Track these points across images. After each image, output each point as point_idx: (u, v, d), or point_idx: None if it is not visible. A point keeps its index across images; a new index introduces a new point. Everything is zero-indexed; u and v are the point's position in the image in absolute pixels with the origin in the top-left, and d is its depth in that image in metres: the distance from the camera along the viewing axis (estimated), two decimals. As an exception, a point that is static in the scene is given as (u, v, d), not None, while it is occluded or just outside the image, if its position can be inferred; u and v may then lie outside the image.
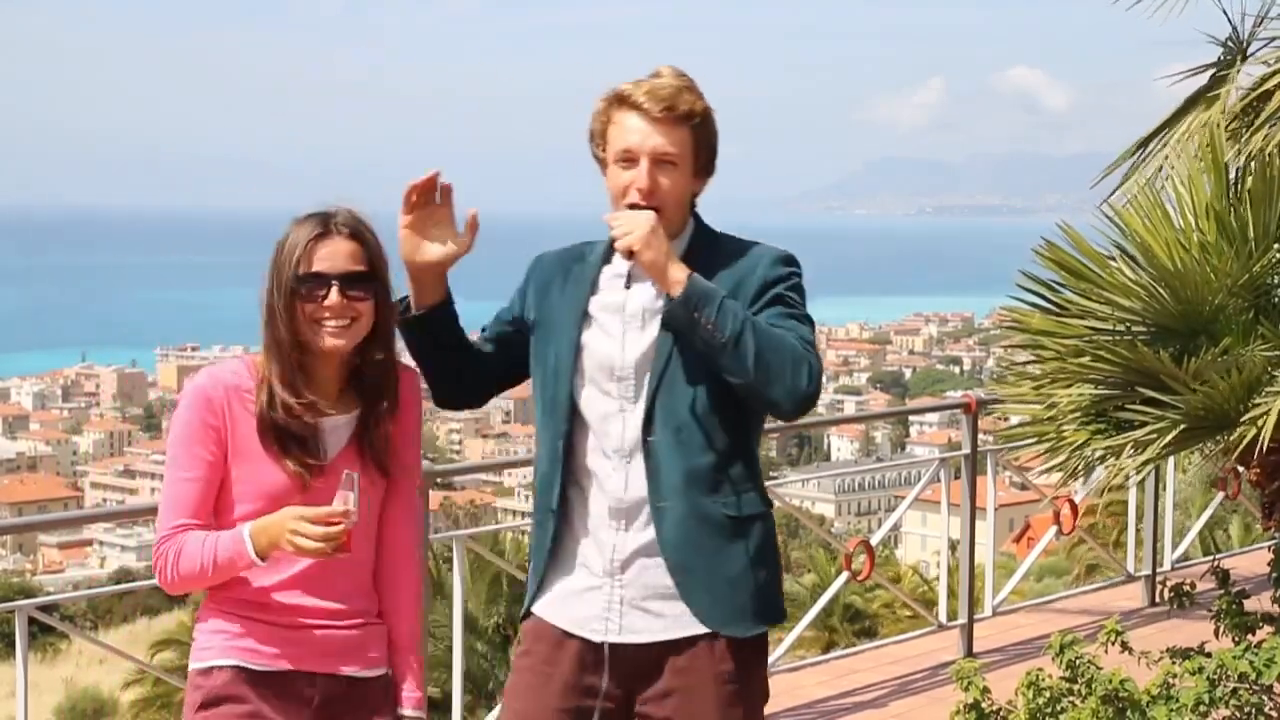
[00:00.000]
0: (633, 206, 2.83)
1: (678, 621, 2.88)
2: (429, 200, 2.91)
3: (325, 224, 2.83)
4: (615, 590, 2.89)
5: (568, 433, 2.89)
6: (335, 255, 2.82)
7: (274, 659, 2.85)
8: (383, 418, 2.90)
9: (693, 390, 2.85)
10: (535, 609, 2.98)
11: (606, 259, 2.95)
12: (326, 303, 2.80)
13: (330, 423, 2.87)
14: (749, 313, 2.80)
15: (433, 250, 2.91)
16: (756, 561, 2.93)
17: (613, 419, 2.88)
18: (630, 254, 2.78)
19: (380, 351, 2.89)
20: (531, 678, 2.95)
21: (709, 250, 2.91)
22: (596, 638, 2.89)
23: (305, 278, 2.81)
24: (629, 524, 2.88)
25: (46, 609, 4.60)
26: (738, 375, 2.78)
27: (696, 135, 2.85)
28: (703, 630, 2.88)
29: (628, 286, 2.91)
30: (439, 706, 8.29)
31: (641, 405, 2.86)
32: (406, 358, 3.02)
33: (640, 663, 2.89)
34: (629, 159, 2.83)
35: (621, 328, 2.89)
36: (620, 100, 2.84)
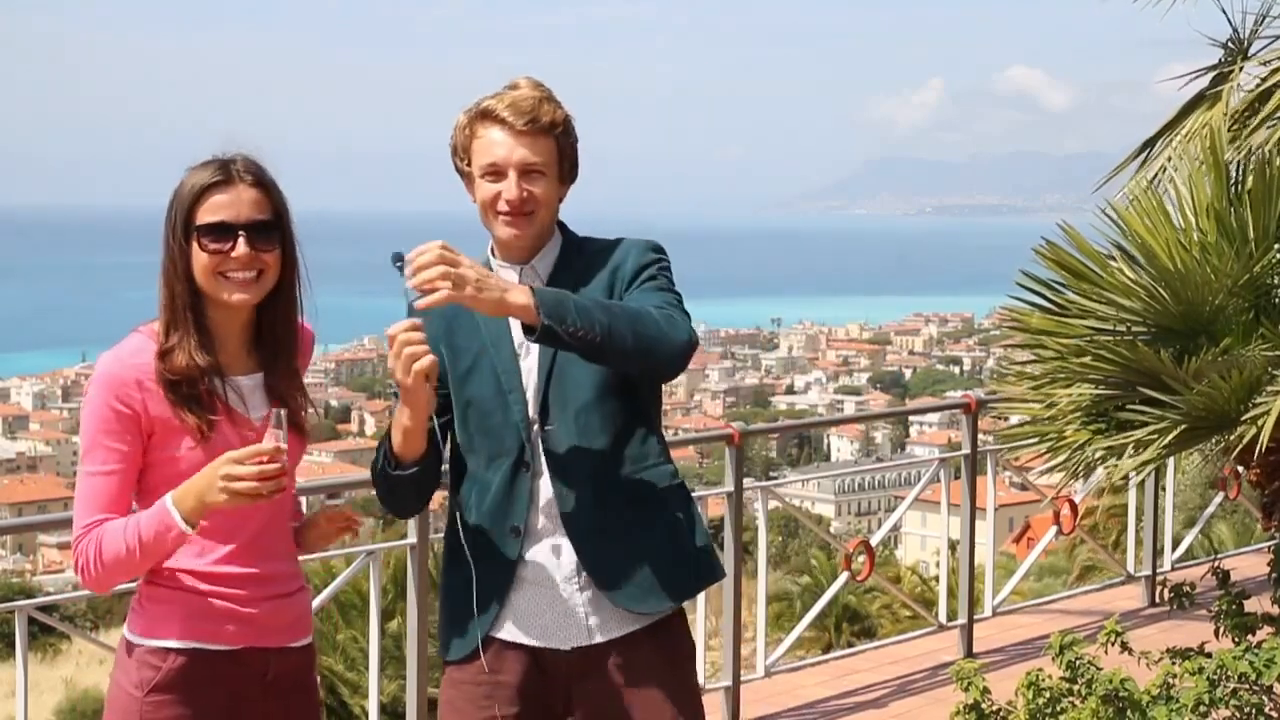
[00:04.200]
0: (499, 214, 2.87)
1: (636, 614, 2.90)
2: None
3: (226, 170, 2.74)
4: (577, 594, 2.90)
5: (530, 450, 2.89)
6: (239, 204, 2.72)
7: (231, 637, 2.77)
8: (291, 376, 2.83)
9: (582, 385, 2.88)
10: (500, 634, 2.92)
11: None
12: (234, 254, 2.70)
13: (247, 382, 2.79)
14: (598, 298, 2.79)
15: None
16: (675, 530, 2.97)
17: (552, 433, 2.89)
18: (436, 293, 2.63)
19: (284, 306, 2.81)
20: (480, 685, 2.92)
21: (579, 254, 2.96)
22: (567, 645, 2.90)
23: (210, 227, 2.71)
24: (577, 531, 2.89)
25: (46, 609, 4.60)
26: (622, 363, 2.79)
27: (560, 144, 2.91)
28: (649, 621, 2.91)
29: None
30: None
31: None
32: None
33: (583, 661, 2.91)
34: (495, 172, 2.88)
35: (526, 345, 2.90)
36: (483, 115, 2.88)
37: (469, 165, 2.92)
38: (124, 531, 2.66)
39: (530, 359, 2.91)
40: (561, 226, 3.00)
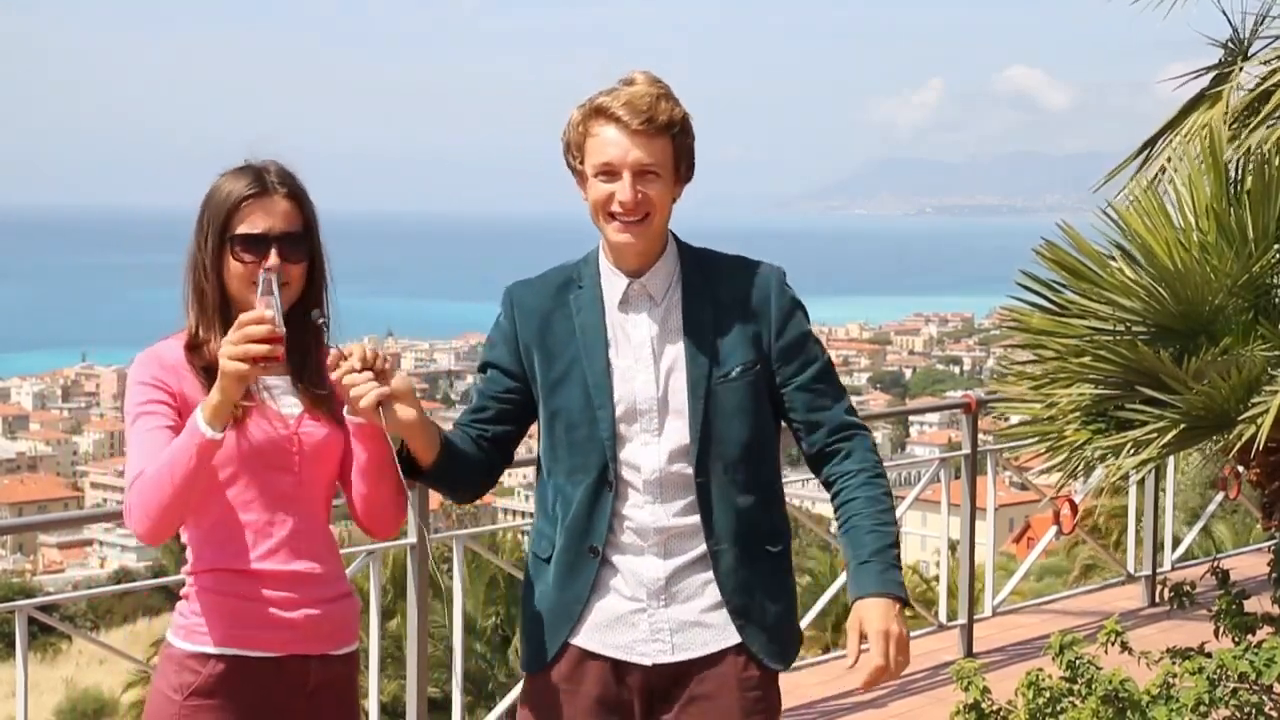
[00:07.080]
0: (613, 217, 2.81)
1: (722, 633, 2.88)
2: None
3: (261, 181, 2.77)
4: (660, 611, 2.86)
5: (613, 470, 2.85)
6: (273, 215, 2.76)
7: (272, 644, 2.77)
8: (322, 377, 2.82)
9: (735, 431, 2.86)
10: (576, 641, 2.89)
11: (596, 281, 2.91)
12: (266, 265, 2.74)
13: (277, 382, 2.81)
14: (870, 509, 2.88)
15: (405, 410, 2.74)
16: (791, 592, 2.99)
17: (642, 453, 2.85)
18: None
19: (313, 311, 2.82)
20: (560, 695, 2.90)
21: (699, 271, 2.90)
22: (648, 660, 2.87)
23: (244, 238, 2.75)
24: (669, 551, 2.86)
25: (46, 609, 4.61)
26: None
27: (676, 144, 2.82)
28: (736, 641, 2.88)
29: (624, 312, 2.88)
30: (439, 706, 8.29)
31: (672, 441, 2.84)
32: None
33: (664, 676, 2.88)
34: (609, 172, 2.79)
35: (633, 358, 2.86)
36: (598, 112, 2.79)
37: (581, 163, 2.83)
38: (158, 462, 2.66)
39: (636, 383, 2.85)
40: (673, 234, 2.93)
